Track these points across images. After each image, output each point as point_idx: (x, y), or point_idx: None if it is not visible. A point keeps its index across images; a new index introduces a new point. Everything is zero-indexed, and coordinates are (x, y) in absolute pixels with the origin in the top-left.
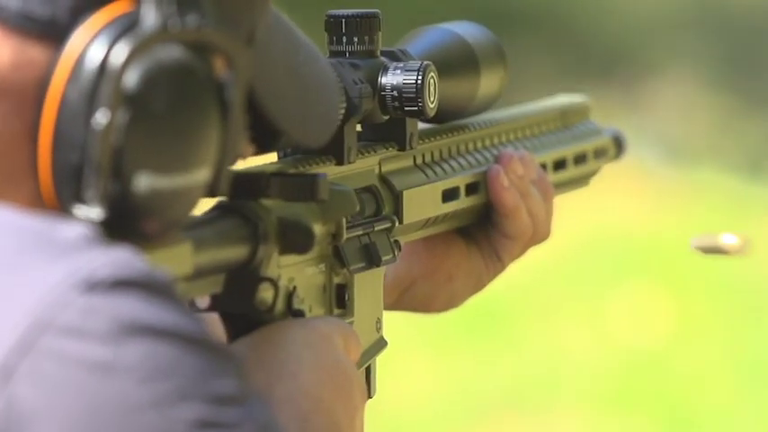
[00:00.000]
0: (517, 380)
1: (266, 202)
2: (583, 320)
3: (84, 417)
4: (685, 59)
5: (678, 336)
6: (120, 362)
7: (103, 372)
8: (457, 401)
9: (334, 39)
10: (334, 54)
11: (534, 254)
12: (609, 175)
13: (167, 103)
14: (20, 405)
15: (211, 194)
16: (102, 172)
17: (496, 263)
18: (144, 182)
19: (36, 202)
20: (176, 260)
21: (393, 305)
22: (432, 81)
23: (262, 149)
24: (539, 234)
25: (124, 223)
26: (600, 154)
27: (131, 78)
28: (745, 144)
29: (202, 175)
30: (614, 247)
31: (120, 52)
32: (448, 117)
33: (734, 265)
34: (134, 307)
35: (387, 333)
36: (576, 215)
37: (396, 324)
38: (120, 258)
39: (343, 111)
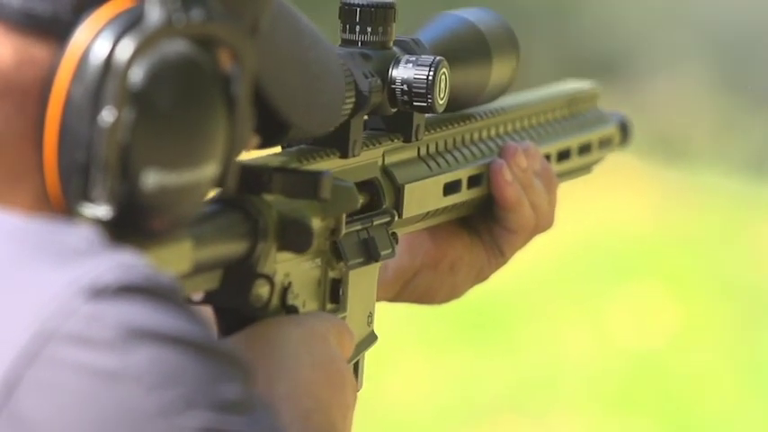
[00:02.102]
0: (516, 381)
1: (267, 197)
2: (583, 322)
3: (92, 425)
4: (687, 59)
5: (679, 337)
6: (127, 369)
7: (110, 379)
8: (455, 403)
9: (348, 27)
10: (346, 43)
11: (534, 254)
12: (611, 175)
13: (174, 99)
14: (26, 415)
15: (219, 187)
16: (110, 170)
17: (498, 255)
18: (152, 179)
19: (42, 201)
20: (176, 257)
21: (395, 297)
22: (443, 77)
23: (267, 141)
24: (541, 225)
25: (132, 221)
26: (605, 143)
27: (137, 75)
28: (748, 144)
29: (210, 170)
30: (616, 248)
31: (126, 48)
32: (458, 106)
33: (736, 265)
34: (139, 313)
35: (383, 333)
36: (578, 215)
37: (393, 325)
38: (125, 263)
39: (351, 101)
